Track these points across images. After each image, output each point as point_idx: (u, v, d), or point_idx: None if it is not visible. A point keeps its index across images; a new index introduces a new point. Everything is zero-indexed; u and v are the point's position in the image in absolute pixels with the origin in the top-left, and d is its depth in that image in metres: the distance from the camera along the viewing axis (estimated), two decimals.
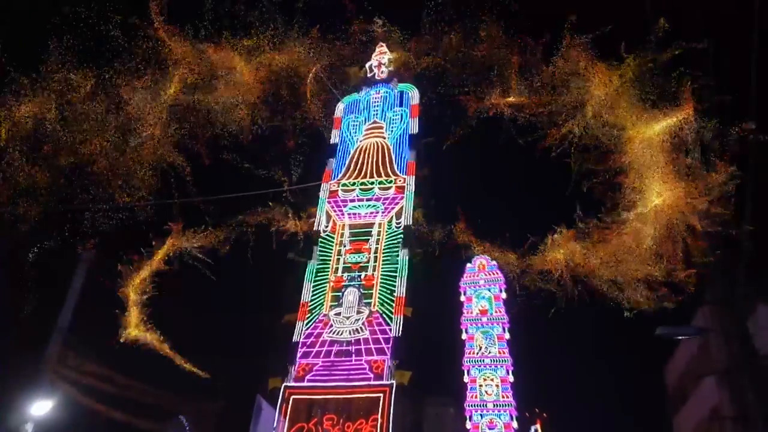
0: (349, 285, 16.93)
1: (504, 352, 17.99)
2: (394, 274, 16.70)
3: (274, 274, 18.13)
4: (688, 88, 13.63)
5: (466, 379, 17.77)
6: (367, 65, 21.90)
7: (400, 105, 20.61)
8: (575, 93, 15.48)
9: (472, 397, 17.52)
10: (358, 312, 16.29)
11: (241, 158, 18.98)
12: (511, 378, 17.59)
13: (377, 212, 18.14)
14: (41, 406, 17.04)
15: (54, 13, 16.98)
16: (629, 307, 13.89)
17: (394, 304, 16.14)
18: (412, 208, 17.86)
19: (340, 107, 21.29)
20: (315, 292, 17.07)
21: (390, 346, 15.40)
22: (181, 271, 17.36)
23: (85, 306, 18.18)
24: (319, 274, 17.40)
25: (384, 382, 14.86)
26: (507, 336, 18.18)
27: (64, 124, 16.83)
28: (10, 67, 16.31)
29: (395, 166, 19.02)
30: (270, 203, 18.40)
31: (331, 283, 17.12)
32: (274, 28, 19.03)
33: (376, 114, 20.64)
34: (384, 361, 15.19)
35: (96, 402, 19.78)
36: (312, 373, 15.55)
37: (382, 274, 16.86)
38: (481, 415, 17.23)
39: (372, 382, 14.96)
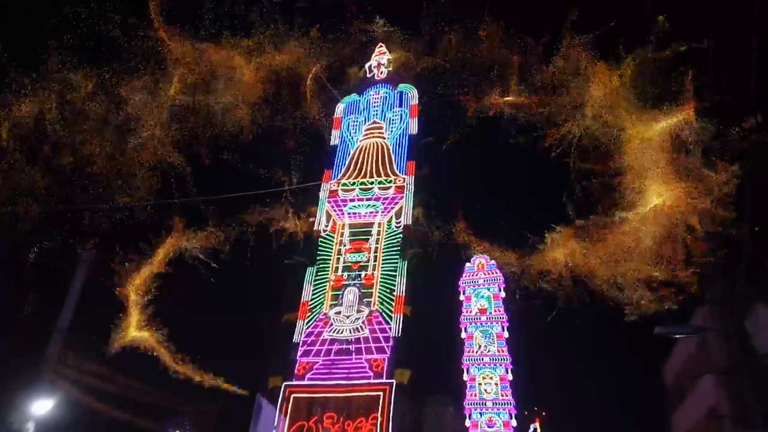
0: (349, 284, 17.01)
1: (503, 351, 18.00)
2: (393, 273, 16.79)
3: (274, 274, 18.17)
4: (690, 86, 13.67)
5: (465, 377, 17.79)
6: (366, 66, 21.98)
7: (400, 105, 20.68)
8: (575, 93, 15.53)
9: (471, 395, 17.53)
10: (358, 311, 16.38)
11: (241, 158, 19.03)
12: (510, 376, 17.61)
13: (377, 212, 18.22)
14: (42, 405, 17.07)
15: (54, 14, 17.02)
16: (630, 312, 13.90)
17: (393, 303, 16.22)
18: (411, 207, 17.93)
19: (340, 107, 21.36)
20: (315, 292, 17.15)
21: (390, 344, 15.46)
22: (181, 270, 17.40)
23: (85, 306, 18.20)
24: (319, 274, 17.48)
25: (384, 380, 14.94)
26: (506, 335, 18.20)
27: (64, 124, 16.85)
28: (10, 67, 16.33)
29: (395, 166, 19.10)
30: (270, 203, 18.45)
31: (332, 283, 17.20)
32: (274, 29, 19.08)
33: (376, 114, 20.71)
34: (384, 359, 15.25)
35: (96, 401, 19.81)
36: (312, 372, 15.63)
37: (381, 274, 16.95)
38: (480, 413, 17.24)
39: (372, 381, 15.06)
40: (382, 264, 17.18)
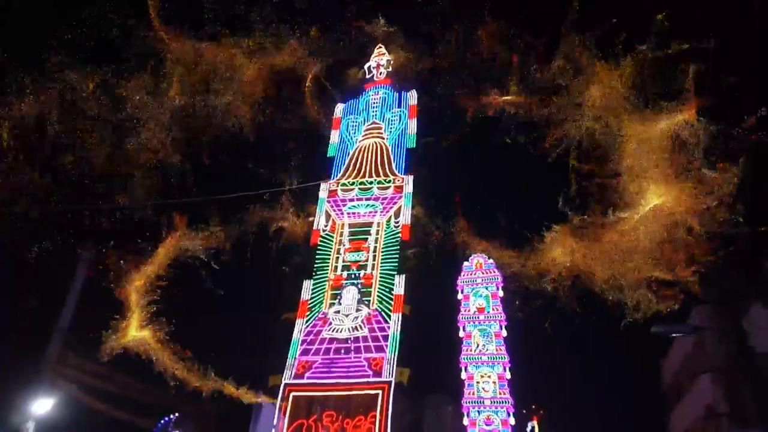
0: (349, 283, 17.07)
1: (501, 350, 18.08)
2: (392, 272, 16.85)
3: (273, 273, 18.23)
4: (691, 85, 13.73)
5: (463, 376, 17.88)
6: (365, 66, 22.04)
7: (399, 106, 20.75)
8: (575, 93, 15.58)
9: (469, 393, 17.61)
10: (357, 310, 16.44)
11: (240, 158, 19.10)
12: (508, 375, 17.68)
13: (376, 211, 18.29)
14: (42, 405, 17.12)
15: (55, 14, 17.08)
16: (630, 312, 13.95)
17: (392, 303, 16.28)
18: (410, 207, 18.02)
19: (339, 108, 21.43)
20: (314, 291, 17.21)
21: (388, 343, 15.53)
22: (181, 270, 17.46)
23: (86, 306, 18.26)
24: (318, 273, 17.54)
25: (383, 379, 15.00)
26: (504, 333, 18.29)
27: (65, 124, 16.90)
28: (11, 67, 16.38)
29: (394, 166, 19.18)
30: (270, 203, 18.53)
31: (331, 282, 17.26)
32: (274, 29, 19.13)
33: (375, 115, 20.79)
34: (383, 358, 15.32)
35: (96, 401, 19.86)
36: (311, 371, 15.68)
37: (380, 273, 17.01)
38: (478, 411, 17.31)
39: (371, 379, 15.10)
40: (381, 263, 17.24)
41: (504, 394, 17.40)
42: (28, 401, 17.10)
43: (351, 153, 19.99)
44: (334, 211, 18.66)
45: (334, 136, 20.66)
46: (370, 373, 15.22)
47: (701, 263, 13.41)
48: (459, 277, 19.61)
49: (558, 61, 16.00)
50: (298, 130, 20.22)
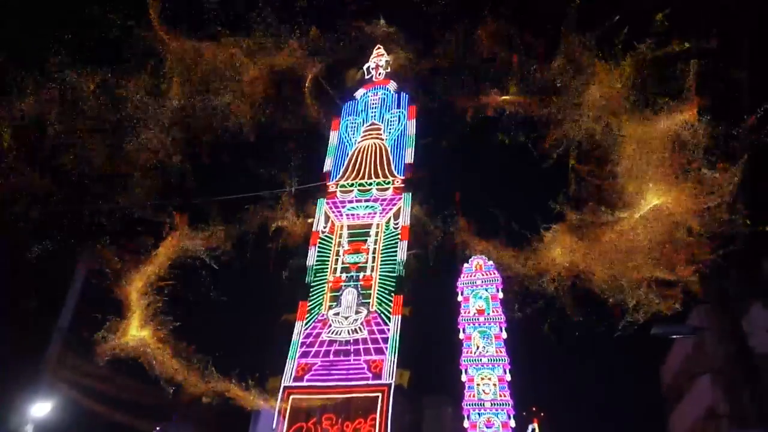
0: (348, 285, 17.04)
1: (501, 352, 18.07)
2: (392, 274, 16.82)
3: (273, 274, 18.18)
4: (692, 84, 13.69)
5: (463, 378, 17.87)
6: (365, 67, 22.02)
7: (398, 107, 20.72)
8: (575, 92, 15.54)
9: (469, 396, 17.60)
10: (357, 312, 16.41)
11: (241, 158, 19.08)
12: (508, 377, 17.68)
13: (375, 213, 18.26)
14: (41, 408, 17.07)
15: (55, 14, 17.05)
16: (630, 314, 13.92)
17: (392, 304, 16.25)
18: (410, 208, 17.98)
19: (339, 109, 21.39)
20: (314, 293, 17.17)
21: (388, 345, 15.50)
22: (181, 270, 17.42)
23: (86, 306, 18.20)
24: (317, 275, 17.51)
25: (382, 381, 14.97)
26: (504, 335, 18.28)
27: (65, 125, 16.86)
28: (11, 67, 16.34)
29: (393, 167, 19.14)
30: (269, 204, 18.50)
31: (330, 284, 17.23)
32: (274, 29, 19.09)
33: (374, 116, 20.76)
34: (382, 360, 15.29)
35: (96, 403, 19.82)
36: (311, 373, 15.65)
37: (380, 275, 16.98)
38: (478, 414, 17.31)
39: (370, 382, 15.08)
40: (381, 265, 17.21)
41: (504, 396, 17.39)
42: (27, 403, 17.04)
43: (350, 154, 19.96)
44: (333, 212, 18.62)
45: (333, 137, 20.64)
46: (370, 375, 15.19)
47: (701, 263, 13.38)
48: (459, 279, 19.59)
49: (558, 60, 15.95)
50: (298, 130, 20.18)
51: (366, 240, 17.85)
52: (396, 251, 17.23)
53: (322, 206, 18.82)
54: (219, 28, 18.45)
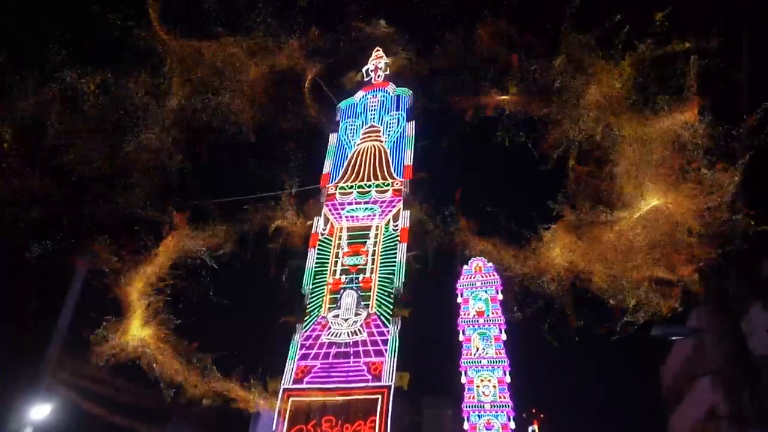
0: (347, 287, 17.02)
1: (501, 353, 18.09)
2: (391, 276, 16.81)
3: (272, 275, 18.17)
4: (693, 83, 13.69)
5: (463, 380, 17.87)
6: (363, 69, 22.05)
7: (397, 109, 20.75)
8: (575, 92, 15.53)
9: (469, 398, 17.60)
10: (356, 314, 16.39)
11: (240, 159, 19.09)
12: (508, 379, 17.68)
13: (375, 215, 18.26)
14: (40, 410, 17.03)
15: (55, 14, 17.07)
16: (630, 315, 13.91)
17: (391, 306, 16.24)
18: (409, 210, 17.98)
19: (338, 111, 21.41)
20: (313, 295, 17.16)
21: (387, 347, 15.49)
22: (182, 270, 17.41)
23: (86, 307, 18.19)
24: (317, 277, 17.50)
25: (382, 383, 14.95)
26: (504, 337, 18.29)
27: (65, 125, 16.86)
28: (12, 67, 16.34)
29: (392, 169, 19.15)
30: (268, 205, 18.50)
31: (329, 286, 17.22)
32: (274, 29, 19.11)
33: (373, 118, 20.78)
34: (382, 362, 15.28)
35: (95, 405, 19.78)
36: (310, 375, 15.64)
37: (379, 277, 16.97)
38: (478, 415, 17.31)
39: (370, 384, 15.05)
40: (380, 267, 17.20)
41: (504, 398, 17.39)
42: (26, 405, 17.01)
43: (349, 156, 19.97)
44: (333, 214, 18.62)
45: (332, 139, 20.65)
46: (370, 377, 15.17)
47: (701, 263, 13.38)
48: (458, 281, 19.60)
49: (558, 60, 15.94)
50: (298, 131, 20.20)
51: (365, 242, 17.84)
52: (395, 253, 17.21)
53: (322, 208, 18.82)
54: (219, 28, 18.48)
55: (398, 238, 17.51)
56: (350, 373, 15.39)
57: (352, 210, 18.58)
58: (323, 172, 19.75)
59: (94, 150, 17.16)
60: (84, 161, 17.03)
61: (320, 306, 16.90)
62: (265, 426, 18.44)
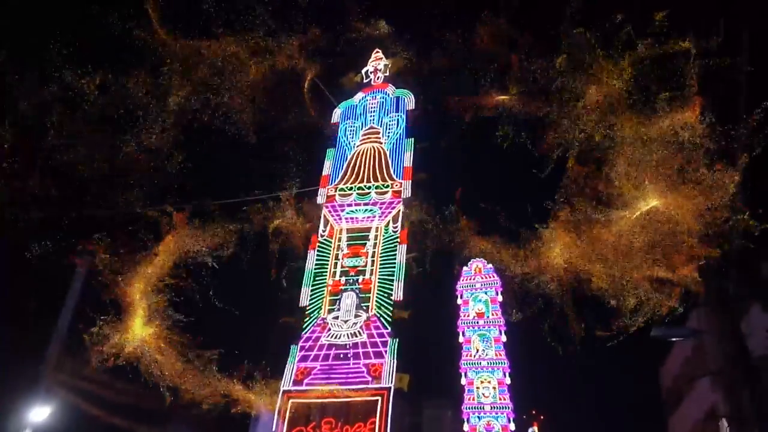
0: (347, 289, 17.01)
1: (501, 355, 18.11)
2: (391, 277, 16.79)
3: (271, 276, 18.16)
4: (694, 82, 13.71)
5: (463, 381, 17.87)
6: (363, 71, 22.07)
7: (396, 110, 20.75)
8: (574, 92, 15.53)
9: (469, 399, 17.62)
10: (356, 315, 16.37)
11: (240, 159, 19.09)
12: (508, 380, 17.70)
13: (374, 216, 18.25)
14: (39, 413, 16.99)
15: (55, 14, 17.07)
16: (629, 316, 13.91)
17: (391, 308, 16.23)
18: (409, 211, 17.97)
19: (337, 112, 21.43)
20: (313, 296, 17.15)
21: (387, 349, 15.48)
22: (181, 271, 17.40)
23: (85, 307, 18.15)
24: (316, 278, 17.49)
25: (382, 385, 14.93)
26: (504, 338, 18.30)
27: (65, 125, 16.86)
28: (12, 67, 16.34)
29: (392, 171, 19.15)
30: (267, 206, 18.49)
31: (329, 287, 17.20)
32: (274, 29, 19.13)
33: (373, 119, 20.78)
34: (382, 364, 15.27)
35: (94, 406, 19.74)
36: (310, 377, 15.62)
37: (379, 278, 16.94)
38: (478, 417, 17.33)
39: (370, 386, 15.03)
40: (380, 268, 17.18)
41: (504, 399, 17.41)
42: (26, 408, 16.96)
43: (349, 158, 19.98)
44: (332, 216, 18.61)
45: (332, 141, 20.66)
46: (369, 379, 15.15)
47: (700, 264, 13.39)
48: (458, 282, 19.61)
49: (558, 60, 15.95)
50: (298, 131, 20.20)
51: (365, 243, 17.83)
52: (395, 255, 17.20)
53: (321, 210, 18.82)
54: (220, 29, 18.49)
55: (398, 240, 17.50)
56: (350, 375, 15.38)
57: (352, 211, 18.57)
58: (323, 174, 19.75)
59: (94, 150, 17.16)
60: (84, 161, 17.03)
61: (320, 308, 16.89)
62: (265, 428, 18.44)
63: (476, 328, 18.62)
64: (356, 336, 15.98)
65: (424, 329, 18.23)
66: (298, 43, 19.61)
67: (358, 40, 21.27)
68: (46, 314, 18.58)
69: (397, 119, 20.45)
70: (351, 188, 19.05)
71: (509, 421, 17.19)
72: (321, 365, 15.74)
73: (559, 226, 15.17)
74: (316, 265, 17.74)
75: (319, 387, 15.27)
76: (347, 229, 18.26)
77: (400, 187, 18.56)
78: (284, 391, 15.43)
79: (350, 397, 14.94)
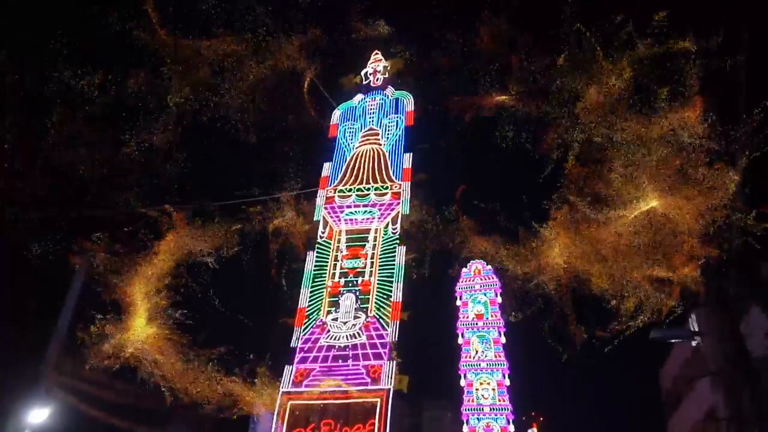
0: (346, 290, 17.00)
1: (500, 356, 18.12)
2: (390, 279, 16.76)
3: (271, 277, 18.16)
4: (694, 82, 13.71)
5: (462, 383, 17.86)
6: (362, 72, 22.05)
7: (396, 112, 20.73)
8: (574, 92, 15.54)
9: (468, 401, 17.63)
10: (355, 317, 16.35)
11: (240, 159, 19.10)
12: (507, 382, 17.71)
13: (373, 218, 18.23)
14: (38, 414, 16.94)
15: (55, 14, 17.08)
16: (628, 317, 13.91)
17: (390, 309, 16.21)
18: (408, 213, 17.96)
19: (336, 114, 21.41)
20: (312, 298, 17.13)
21: (387, 350, 15.46)
22: (181, 271, 17.40)
23: (85, 308, 18.14)
24: (316, 280, 17.47)
25: (381, 386, 14.91)
26: (503, 340, 18.30)
27: (65, 125, 16.86)
28: (12, 66, 16.34)
29: (391, 172, 19.14)
30: (268, 205, 18.52)
31: (328, 289, 17.18)
32: (273, 30, 19.15)
33: (372, 121, 20.77)
34: (381, 365, 15.25)
35: (94, 407, 19.70)
36: (309, 378, 15.58)
37: (378, 280, 16.91)
38: (477, 418, 17.34)
39: (369, 387, 15.00)
40: (379, 270, 17.15)
41: (503, 400, 17.42)
42: (25, 410, 16.91)
43: (348, 159, 19.97)
44: (331, 217, 18.60)
45: (331, 142, 20.66)
46: (369, 380, 15.12)
47: (700, 265, 13.39)
48: (457, 284, 19.60)
49: (558, 60, 15.96)
50: (297, 131, 20.21)
51: (364, 245, 17.82)
52: (394, 256, 17.18)
53: (320, 211, 18.80)
54: (220, 29, 18.51)
55: (397, 241, 17.48)
56: (349, 377, 15.35)
57: (351, 213, 18.54)
58: (322, 175, 19.75)
59: (94, 150, 17.16)
60: (84, 161, 17.03)
61: (319, 309, 16.87)
62: (264, 429, 18.41)
63: (475, 329, 18.63)
64: (355, 337, 15.96)
65: (424, 331, 18.23)
66: (298, 43, 19.62)
67: (358, 41, 21.27)
68: (46, 314, 18.55)
69: (397, 120, 20.45)
70: (350, 190, 19.04)
71: (508, 423, 17.20)
72: (320, 367, 15.71)
73: (558, 225, 15.16)
74: (315, 266, 17.72)
75: (318, 388, 15.24)
76: (346, 231, 18.24)
77: (400, 188, 18.55)
78: (283, 393, 15.40)
79: (349, 398, 14.91)
